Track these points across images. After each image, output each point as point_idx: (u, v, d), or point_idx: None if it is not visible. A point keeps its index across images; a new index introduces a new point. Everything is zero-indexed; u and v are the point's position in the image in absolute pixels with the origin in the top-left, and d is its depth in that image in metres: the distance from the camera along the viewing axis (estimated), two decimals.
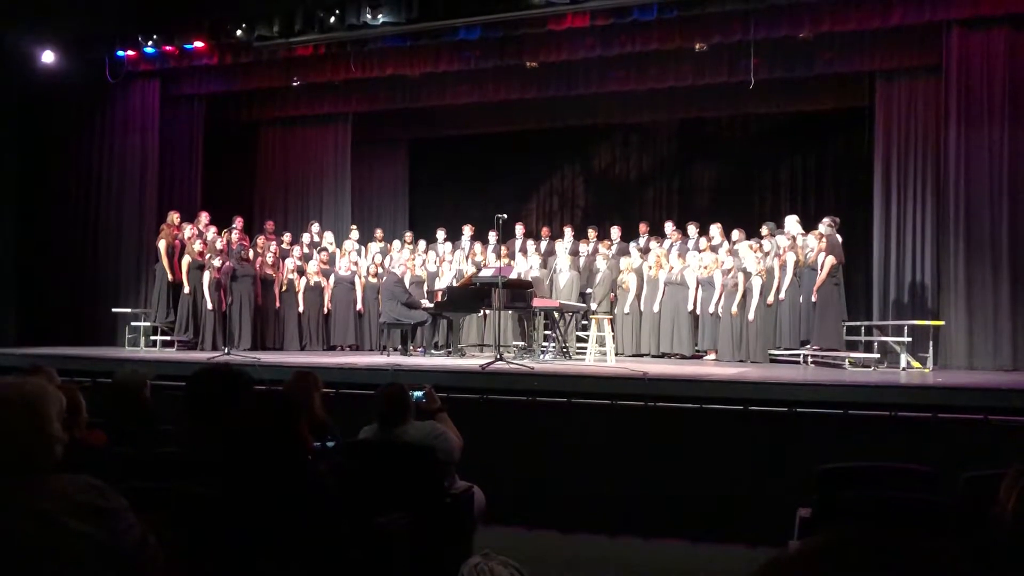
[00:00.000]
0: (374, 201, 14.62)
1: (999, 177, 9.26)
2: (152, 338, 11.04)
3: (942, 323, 9.30)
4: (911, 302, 10.05)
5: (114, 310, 11.58)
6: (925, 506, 3.22)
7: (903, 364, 8.67)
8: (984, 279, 9.24)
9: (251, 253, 11.06)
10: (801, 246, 9.79)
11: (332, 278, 11.52)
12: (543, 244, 12.36)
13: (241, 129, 13.57)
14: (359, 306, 11.52)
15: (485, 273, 10.08)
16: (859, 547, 0.75)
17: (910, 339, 8.85)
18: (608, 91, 11.77)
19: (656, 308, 10.69)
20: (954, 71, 9.53)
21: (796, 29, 9.95)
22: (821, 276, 9.13)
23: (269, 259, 11.17)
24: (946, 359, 9.22)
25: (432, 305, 10.56)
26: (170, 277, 10.97)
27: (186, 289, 10.76)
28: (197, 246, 10.86)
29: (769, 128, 13.11)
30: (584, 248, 11.86)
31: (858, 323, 9.87)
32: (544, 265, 11.68)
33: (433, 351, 11.05)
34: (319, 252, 11.73)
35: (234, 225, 11.18)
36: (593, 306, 10.90)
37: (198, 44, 11.46)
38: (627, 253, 11.43)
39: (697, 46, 10.49)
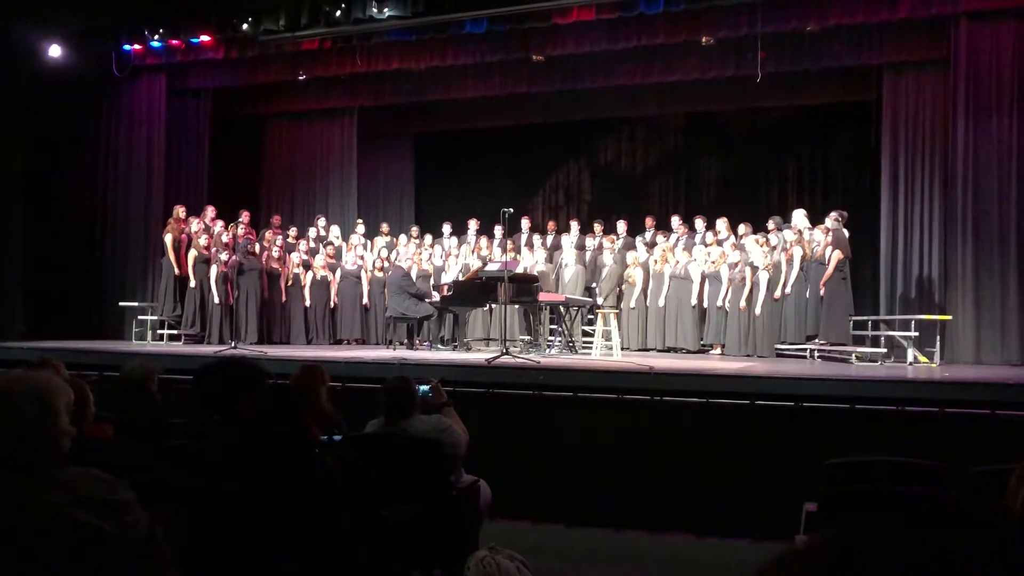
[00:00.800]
0: (380, 195, 14.61)
1: (1007, 171, 9.21)
2: (159, 332, 11.07)
3: (949, 318, 9.28)
4: (918, 296, 10.02)
5: (121, 304, 11.61)
6: (933, 501, 3.21)
7: (910, 359, 8.66)
8: (992, 273, 9.20)
9: (257, 247, 11.08)
10: (808, 240, 9.77)
11: (338, 272, 11.53)
12: (549, 238, 12.35)
13: (247, 123, 13.59)
14: (365, 300, 11.53)
15: (491, 267, 10.08)
16: (867, 542, 0.75)
17: (917, 334, 8.84)
18: (614, 85, 11.75)
19: (661, 302, 10.67)
20: (962, 64, 9.48)
21: (803, 22, 9.91)
22: (828, 270, 9.11)
23: (275, 253, 11.19)
24: (953, 354, 9.19)
25: (438, 299, 10.56)
26: (176, 271, 10.99)
27: (192, 283, 10.79)
28: (203, 240, 10.88)
29: (776, 122, 13.06)
30: (590, 242, 11.85)
31: (865, 318, 9.85)
32: (550, 259, 11.67)
33: (439, 345, 11.06)
34: (325, 246, 11.74)
35: (240, 219, 11.22)
36: (599, 300, 10.88)
37: (204, 38, 11.46)
38: (633, 247, 11.42)
39: (703, 39, 10.47)
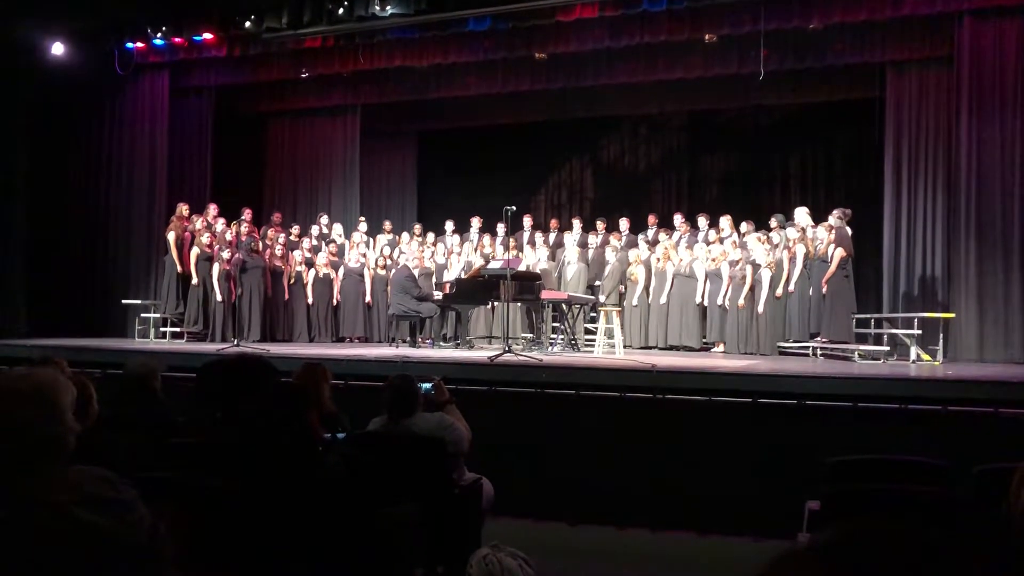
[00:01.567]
0: (383, 193, 14.62)
1: (1011, 168, 9.19)
2: (162, 330, 11.08)
3: (952, 315, 9.26)
4: (921, 294, 10.01)
5: (124, 302, 11.62)
6: (935, 499, 3.21)
7: (913, 357, 8.64)
8: (995, 271, 9.19)
9: (260, 245, 11.09)
10: (811, 238, 9.76)
11: (341, 270, 11.54)
12: (551, 236, 12.35)
13: (250, 121, 13.60)
14: (368, 298, 11.53)
15: (493, 265, 10.08)
16: (869, 541, 0.75)
17: (920, 332, 8.82)
18: (617, 83, 11.74)
19: (664, 300, 10.67)
20: (965, 62, 9.46)
21: (806, 20, 9.91)
22: (831, 268, 9.10)
23: (278, 251, 11.20)
24: (956, 352, 9.18)
25: (441, 297, 10.57)
26: (179, 269, 11.00)
27: (195, 281, 10.80)
28: (206, 238, 10.89)
29: (779, 120, 13.05)
30: (593, 240, 11.85)
31: (868, 315, 9.83)
32: (552, 257, 11.68)
33: (442, 343, 11.06)
34: (328, 244, 11.75)
35: (243, 217, 11.23)
36: (601, 298, 10.89)
37: (207, 36, 11.48)
38: (636, 245, 11.42)
39: (707, 37, 10.46)
